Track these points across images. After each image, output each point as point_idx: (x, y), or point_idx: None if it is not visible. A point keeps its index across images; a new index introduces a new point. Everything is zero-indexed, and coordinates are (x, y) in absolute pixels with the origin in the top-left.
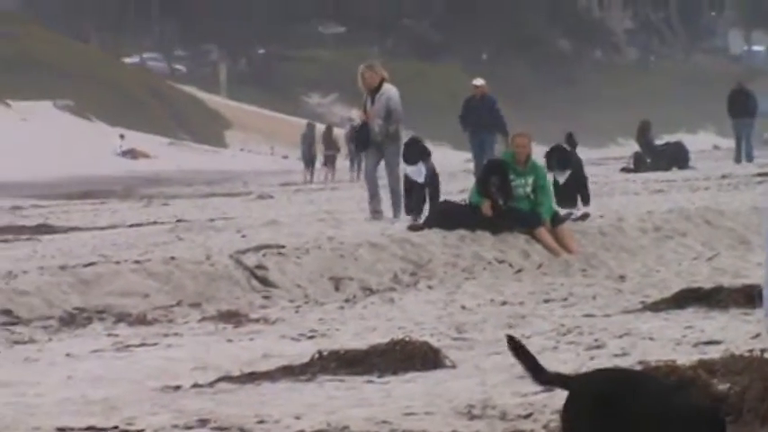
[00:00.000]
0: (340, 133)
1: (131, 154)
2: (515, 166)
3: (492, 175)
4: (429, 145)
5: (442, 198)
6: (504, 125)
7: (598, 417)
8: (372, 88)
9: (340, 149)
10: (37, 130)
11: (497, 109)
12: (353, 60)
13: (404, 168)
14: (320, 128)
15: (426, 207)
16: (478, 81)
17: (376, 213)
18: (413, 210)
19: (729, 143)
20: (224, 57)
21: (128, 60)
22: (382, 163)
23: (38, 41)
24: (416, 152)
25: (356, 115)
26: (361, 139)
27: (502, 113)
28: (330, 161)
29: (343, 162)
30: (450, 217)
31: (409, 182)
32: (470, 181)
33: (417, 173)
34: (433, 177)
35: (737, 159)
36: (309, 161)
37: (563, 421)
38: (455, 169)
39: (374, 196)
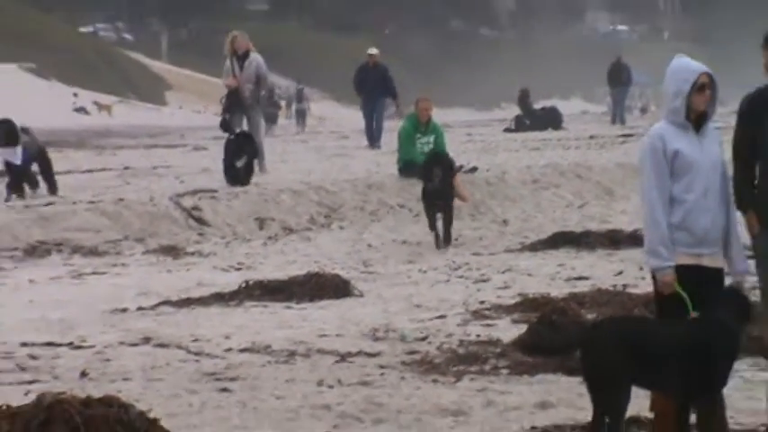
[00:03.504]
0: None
1: (98, 106)
2: (419, 126)
3: (435, 166)
4: (339, 106)
5: None
6: (395, 91)
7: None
8: (241, 53)
9: (281, 107)
10: (3, 88)
11: (389, 77)
12: (275, 32)
13: None
14: None
15: (38, 184)
16: (373, 50)
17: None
18: (13, 190)
19: (596, 108)
20: (165, 28)
21: (83, 30)
22: None
23: (8, 13)
24: (7, 135)
25: (229, 81)
26: (234, 101)
27: (392, 80)
28: (272, 118)
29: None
30: None
31: (7, 164)
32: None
33: (12, 155)
34: (39, 155)
35: (613, 121)
36: (266, 118)
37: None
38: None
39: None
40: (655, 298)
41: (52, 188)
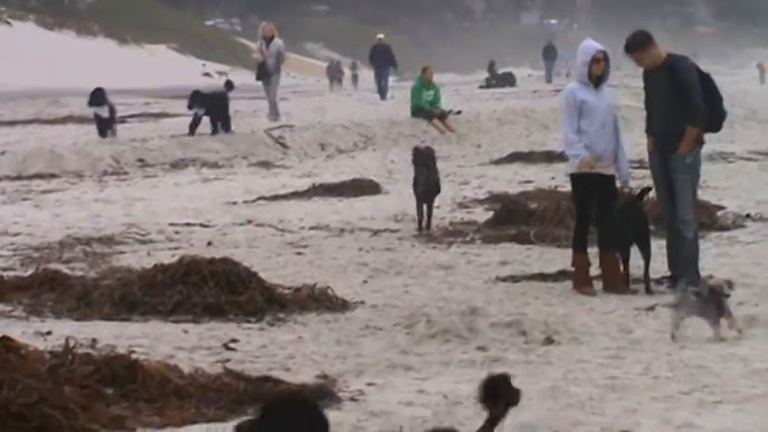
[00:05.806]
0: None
1: (218, 72)
2: (425, 84)
3: (422, 167)
4: (364, 70)
5: None
6: (395, 62)
7: None
8: (268, 38)
9: (344, 73)
10: (157, 62)
11: (392, 54)
12: (334, 25)
13: (92, 109)
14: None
15: (112, 130)
16: (380, 35)
17: (274, 116)
18: (104, 133)
19: (538, 73)
20: (260, 20)
21: (208, 23)
22: None
23: (157, 11)
24: (101, 97)
25: (257, 56)
26: (262, 70)
27: (393, 55)
28: (338, 80)
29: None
30: None
31: (97, 117)
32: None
33: (102, 111)
34: (112, 111)
35: (547, 81)
36: (331, 80)
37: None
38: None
39: (272, 108)
40: (572, 193)
41: (114, 132)
